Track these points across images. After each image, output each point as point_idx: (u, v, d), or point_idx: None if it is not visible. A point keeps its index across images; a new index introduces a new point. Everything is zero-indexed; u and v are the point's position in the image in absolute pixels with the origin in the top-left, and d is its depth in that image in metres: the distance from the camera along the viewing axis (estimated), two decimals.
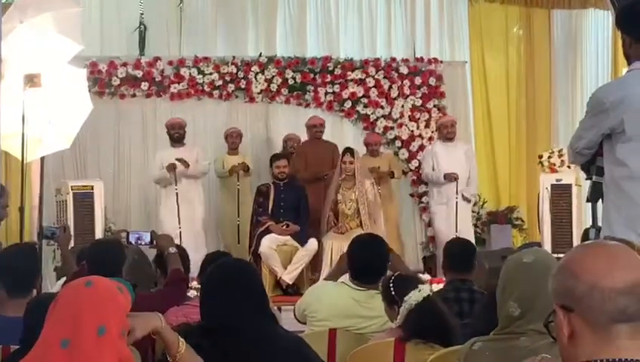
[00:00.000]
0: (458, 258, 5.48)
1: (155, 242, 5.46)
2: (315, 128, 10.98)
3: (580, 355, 1.83)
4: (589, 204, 4.62)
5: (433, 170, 10.82)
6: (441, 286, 5.64)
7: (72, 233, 7.31)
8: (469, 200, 10.83)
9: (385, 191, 10.72)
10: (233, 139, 11.04)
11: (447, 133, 10.84)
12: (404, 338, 4.10)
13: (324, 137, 11.13)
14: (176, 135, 10.54)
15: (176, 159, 10.26)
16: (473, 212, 11.79)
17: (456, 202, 10.51)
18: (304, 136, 11.14)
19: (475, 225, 11.71)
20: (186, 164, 10.29)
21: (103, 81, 11.44)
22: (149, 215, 11.31)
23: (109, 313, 2.43)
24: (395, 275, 4.38)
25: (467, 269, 5.37)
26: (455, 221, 10.44)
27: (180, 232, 9.94)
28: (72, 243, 6.79)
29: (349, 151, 9.97)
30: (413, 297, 4.15)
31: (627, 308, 1.80)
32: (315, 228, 9.98)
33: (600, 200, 4.46)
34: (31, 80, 7.24)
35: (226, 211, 10.88)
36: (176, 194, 10.24)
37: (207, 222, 10.75)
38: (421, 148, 11.83)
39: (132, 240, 5.57)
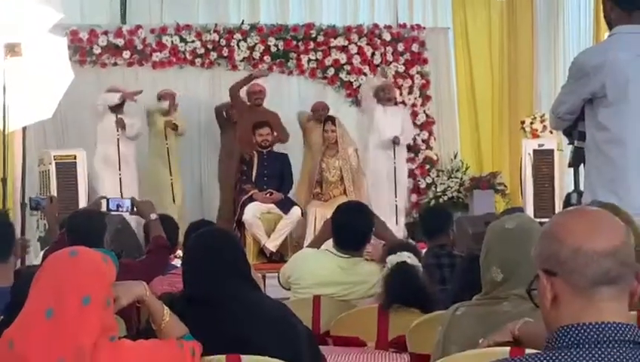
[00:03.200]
0: (432, 224, 5.57)
1: (135, 209, 5.43)
2: (256, 95, 10.77)
3: (562, 319, 1.85)
4: (571, 168, 4.66)
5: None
6: None
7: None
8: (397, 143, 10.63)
9: None
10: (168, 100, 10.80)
11: (384, 95, 10.69)
12: (386, 303, 4.14)
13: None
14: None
15: (116, 121, 10.13)
16: (456, 178, 11.83)
17: (394, 168, 10.52)
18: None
19: (458, 191, 11.76)
20: (122, 125, 10.14)
21: (84, 49, 11.36)
22: None
23: (94, 283, 2.44)
24: (394, 245, 4.46)
25: (442, 234, 5.42)
26: (395, 188, 10.47)
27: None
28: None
29: (330, 119, 9.97)
30: (391, 262, 4.20)
31: (610, 271, 1.82)
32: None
33: (582, 164, 4.49)
34: (11, 49, 7.20)
35: (158, 172, 10.72)
36: (119, 156, 10.12)
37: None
38: None
39: (112, 206, 5.53)
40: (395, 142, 10.44)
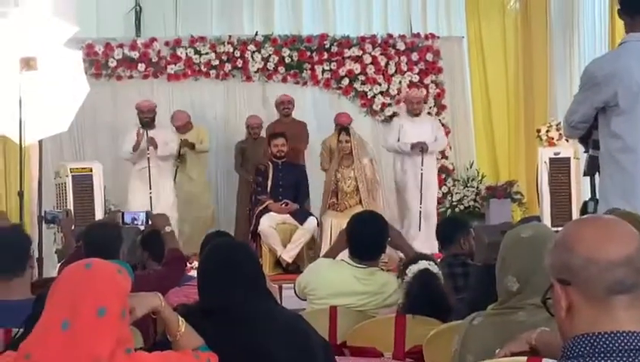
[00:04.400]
0: (443, 234, 5.63)
1: (150, 222, 5.45)
2: (283, 105, 10.92)
3: (577, 328, 1.84)
4: (587, 177, 4.65)
5: (398, 140, 10.56)
6: None
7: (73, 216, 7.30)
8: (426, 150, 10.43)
9: None
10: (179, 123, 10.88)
11: (413, 108, 10.62)
12: (404, 311, 4.13)
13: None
14: (146, 119, 10.15)
15: (147, 140, 9.95)
16: (472, 187, 11.82)
17: (422, 174, 10.38)
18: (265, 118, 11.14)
19: (474, 200, 11.74)
20: (154, 144, 9.99)
21: (100, 62, 11.43)
22: None
23: (109, 294, 2.45)
24: (408, 259, 4.47)
25: (453, 244, 5.44)
26: (420, 194, 10.38)
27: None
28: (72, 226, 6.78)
29: (344, 130, 9.96)
30: (412, 271, 4.21)
31: (625, 279, 1.81)
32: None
33: (597, 173, 4.49)
34: (27, 63, 7.24)
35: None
36: (149, 174, 9.94)
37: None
38: None
39: (127, 220, 5.56)
40: (423, 148, 10.32)
